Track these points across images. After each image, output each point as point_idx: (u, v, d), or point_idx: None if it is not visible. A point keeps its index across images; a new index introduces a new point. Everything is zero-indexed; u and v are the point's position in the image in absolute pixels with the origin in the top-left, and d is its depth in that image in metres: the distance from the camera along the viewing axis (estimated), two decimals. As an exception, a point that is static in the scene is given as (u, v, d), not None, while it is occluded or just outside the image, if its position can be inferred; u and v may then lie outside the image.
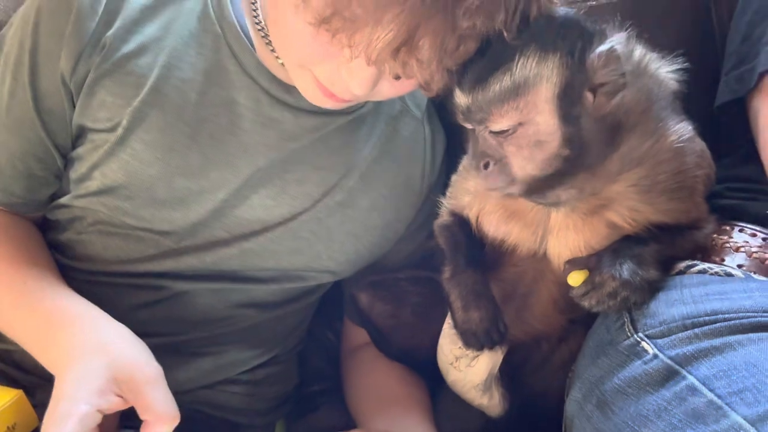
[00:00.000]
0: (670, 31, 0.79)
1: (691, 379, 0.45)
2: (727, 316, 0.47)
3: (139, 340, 0.59)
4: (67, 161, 0.67)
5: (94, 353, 0.56)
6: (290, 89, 0.66)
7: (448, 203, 0.68)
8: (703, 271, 0.54)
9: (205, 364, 0.70)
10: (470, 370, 0.69)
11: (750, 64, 0.61)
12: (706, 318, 0.48)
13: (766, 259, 0.54)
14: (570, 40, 0.53)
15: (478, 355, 0.67)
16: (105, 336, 0.58)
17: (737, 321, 0.47)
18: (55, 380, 0.55)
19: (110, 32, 0.62)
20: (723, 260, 0.56)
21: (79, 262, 0.68)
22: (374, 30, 0.51)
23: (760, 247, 0.55)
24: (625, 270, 0.53)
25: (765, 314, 0.47)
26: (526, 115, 0.53)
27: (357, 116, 0.70)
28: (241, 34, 0.65)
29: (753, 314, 0.47)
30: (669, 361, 0.47)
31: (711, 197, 0.62)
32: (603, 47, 0.52)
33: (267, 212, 0.67)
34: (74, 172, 0.66)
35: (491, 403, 0.71)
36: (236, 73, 0.65)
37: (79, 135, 0.66)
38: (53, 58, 0.62)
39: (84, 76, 0.63)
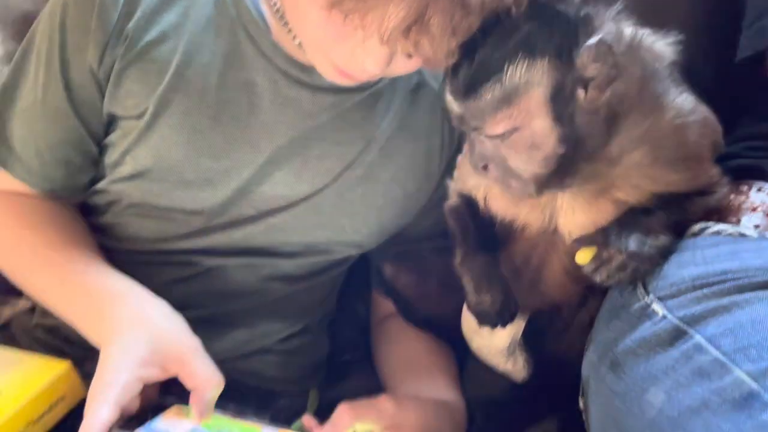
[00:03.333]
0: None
1: (698, 338, 0.45)
2: (736, 275, 0.47)
3: (178, 314, 0.62)
4: (102, 148, 0.70)
5: (137, 327, 0.60)
6: (306, 69, 0.68)
7: (455, 185, 0.68)
8: (717, 233, 0.54)
9: (239, 335, 0.74)
10: (494, 337, 0.70)
11: (769, 18, 0.59)
12: (715, 278, 0.48)
13: (782, 218, 0.54)
14: (556, 40, 0.52)
15: None
16: (147, 311, 0.62)
17: (746, 280, 0.47)
18: (100, 352, 0.59)
19: (131, 23, 0.65)
20: (739, 221, 0.55)
21: (117, 242, 0.72)
22: (385, 10, 0.52)
23: (776, 206, 0.55)
24: (632, 242, 0.54)
25: (774, 272, 0.47)
26: (520, 121, 0.53)
27: (374, 91, 0.71)
28: (256, 17, 0.67)
29: (762, 272, 0.47)
30: (677, 322, 0.47)
31: (729, 157, 0.61)
32: (591, 41, 0.51)
33: (290, 189, 0.70)
34: (108, 158, 0.69)
35: (515, 368, 0.72)
36: (253, 55, 0.67)
37: (111, 122, 0.69)
38: (81, 51, 0.65)
39: (110, 67, 0.65)
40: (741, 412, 0.40)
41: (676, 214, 0.56)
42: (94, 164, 0.72)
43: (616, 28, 0.53)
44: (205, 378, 0.58)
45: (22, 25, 0.85)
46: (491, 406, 0.76)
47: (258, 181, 0.69)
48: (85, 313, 0.63)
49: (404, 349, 0.80)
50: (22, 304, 0.76)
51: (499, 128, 0.54)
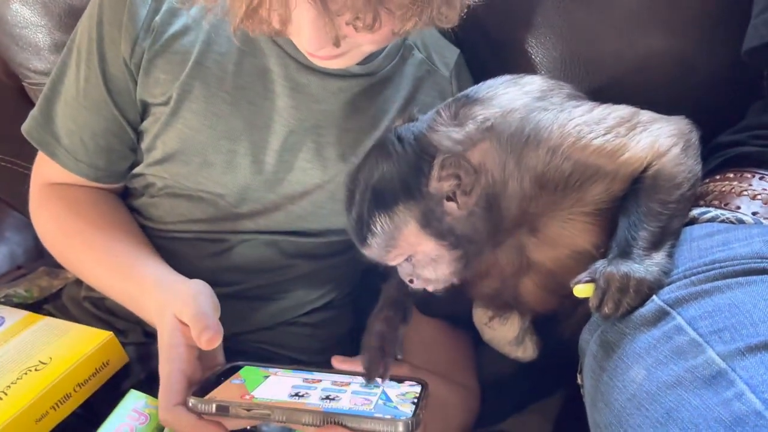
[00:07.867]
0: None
1: (679, 319, 0.47)
2: (722, 264, 0.49)
3: (203, 289, 0.66)
4: (138, 134, 0.76)
5: (172, 306, 0.65)
6: None
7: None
8: (714, 218, 0.55)
9: (267, 307, 0.79)
10: (503, 328, 0.73)
11: (778, 7, 0.58)
12: (704, 267, 0.50)
13: (780, 206, 0.54)
14: (401, 182, 0.57)
15: (509, 315, 0.71)
16: (179, 293, 0.67)
17: (731, 267, 0.48)
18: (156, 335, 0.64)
19: (158, 17, 0.70)
20: (739, 207, 0.56)
21: (152, 222, 0.77)
22: None
23: (776, 194, 0.55)
24: (624, 265, 0.53)
25: (758, 260, 0.48)
26: (410, 251, 0.60)
27: (381, 78, 0.74)
28: None
29: (747, 261, 0.48)
30: (662, 304, 0.49)
31: (735, 145, 0.61)
32: (434, 168, 0.56)
33: (306, 175, 0.73)
34: (143, 143, 0.75)
35: (525, 354, 0.75)
36: (266, 43, 0.71)
37: (144, 110, 0.74)
38: (116, 44, 0.71)
39: (140, 58, 0.70)
40: (709, 389, 0.42)
41: (659, 231, 0.54)
42: (133, 151, 0.77)
43: (455, 134, 0.57)
44: (191, 318, 0.62)
45: (68, 17, 0.92)
46: (501, 383, 0.79)
47: (278, 168, 0.73)
48: (132, 298, 0.70)
49: (423, 329, 0.82)
50: (71, 276, 0.83)
51: (397, 260, 0.61)
